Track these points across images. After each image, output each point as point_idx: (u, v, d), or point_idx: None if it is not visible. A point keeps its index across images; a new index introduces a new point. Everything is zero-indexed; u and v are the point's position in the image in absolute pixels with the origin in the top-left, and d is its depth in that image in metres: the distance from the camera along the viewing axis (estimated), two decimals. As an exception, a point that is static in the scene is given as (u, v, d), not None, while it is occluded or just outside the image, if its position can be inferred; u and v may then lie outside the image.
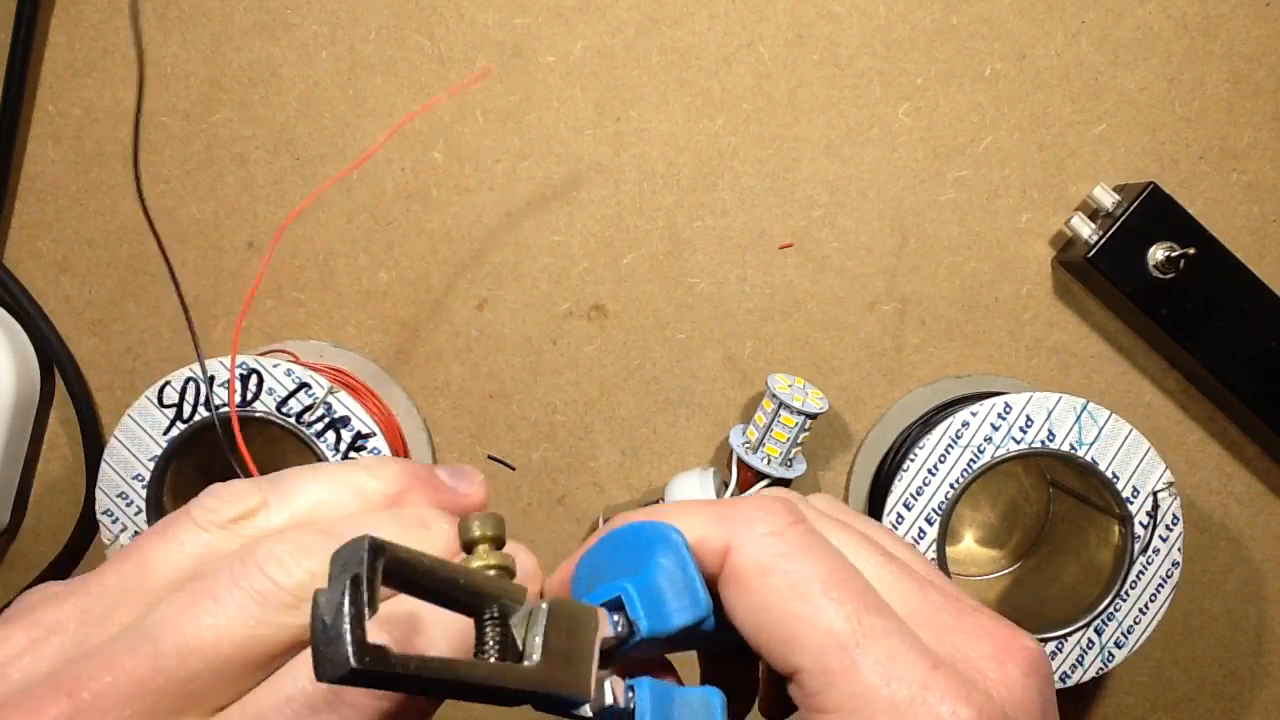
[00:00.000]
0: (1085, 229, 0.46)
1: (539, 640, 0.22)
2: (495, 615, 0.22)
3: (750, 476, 0.46)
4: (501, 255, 0.48)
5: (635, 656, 0.25)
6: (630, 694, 0.23)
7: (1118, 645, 0.42)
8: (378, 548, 0.19)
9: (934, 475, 0.41)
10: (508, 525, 0.50)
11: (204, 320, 0.48)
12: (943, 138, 0.48)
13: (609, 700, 0.23)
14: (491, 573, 0.23)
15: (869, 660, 0.23)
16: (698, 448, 0.49)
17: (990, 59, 0.48)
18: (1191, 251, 0.45)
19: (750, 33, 0.48)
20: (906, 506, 0.42)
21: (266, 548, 0.23)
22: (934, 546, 0.42)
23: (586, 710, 0.23)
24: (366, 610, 0.18)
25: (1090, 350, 0.49)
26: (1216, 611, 0.50)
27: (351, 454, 0.39)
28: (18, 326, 0.47)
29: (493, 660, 0.21)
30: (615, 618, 0.24)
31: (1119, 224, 0.45)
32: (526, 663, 0.22)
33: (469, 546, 0.24)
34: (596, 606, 0.24)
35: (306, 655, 0.22)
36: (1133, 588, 0.42)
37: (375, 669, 0.18)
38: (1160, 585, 0.42)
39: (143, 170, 0.48)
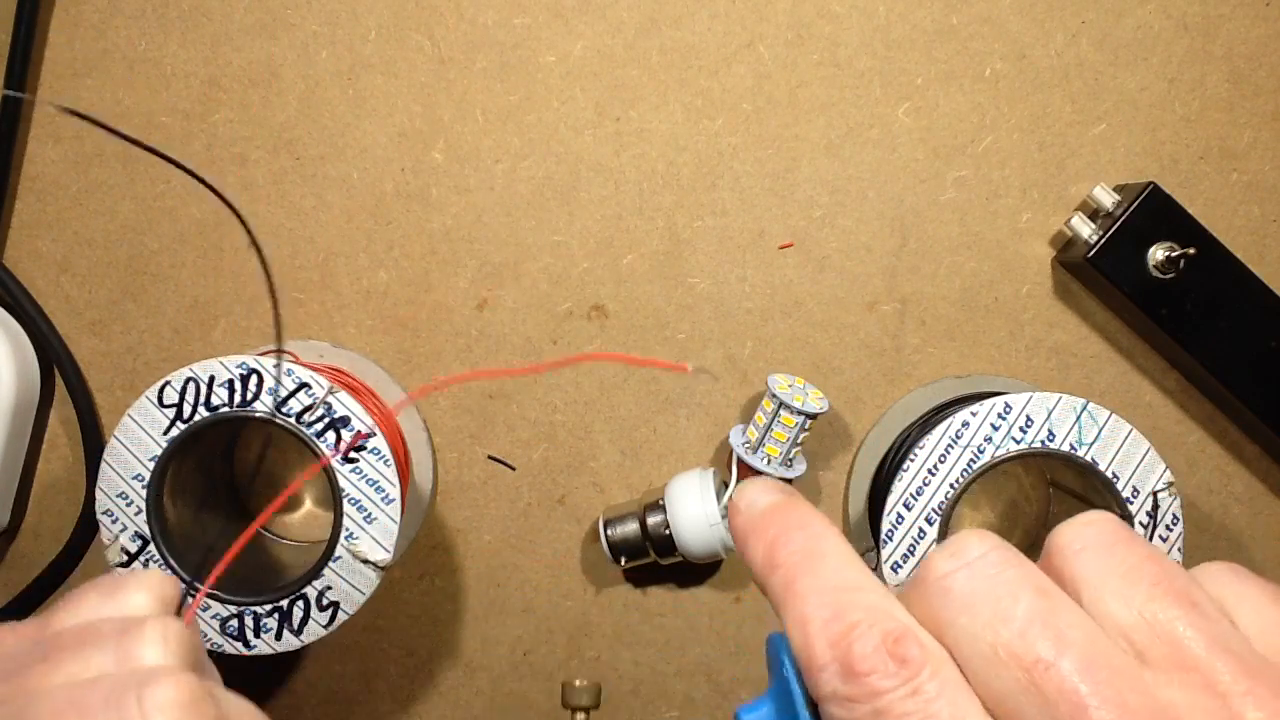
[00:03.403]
0: (1085, 229, 0.46)
1: None
2: None
3: (750, 477, 0.46)
4: (501, 255, 0.48)
5: None
6: None
7: (1118, 645, 0.42)
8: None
9: (934, 475, 0.41)
10: (507, 524, 0.51)
11: (204, 320, 0.48)
12: (943, 138, 0.48)
13: None
14: None
15: None
16: (698, 448, 0.49)
17: (990, 59, 0.48)
18: (1191, 251, 0.45)
19: (750, 33, 0.48)
20: (906, 506, 0.42)
21: None
22: (934, 547, 0.42)
23: None
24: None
25: (1090, 350, 0.49)
26: (1216, 611, 0.50)
27: (352, 454, 0.39)
28: (18, 326, 0.47)
29: None
30: None
31: (1119, 224, 0.45)
32: None
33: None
34: None
35: None
36: (1133, 588, 0.42)
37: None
38: (1160, 585, 0.42)
39: (142, 170, 0.48)
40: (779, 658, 0.24)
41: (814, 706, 0.22)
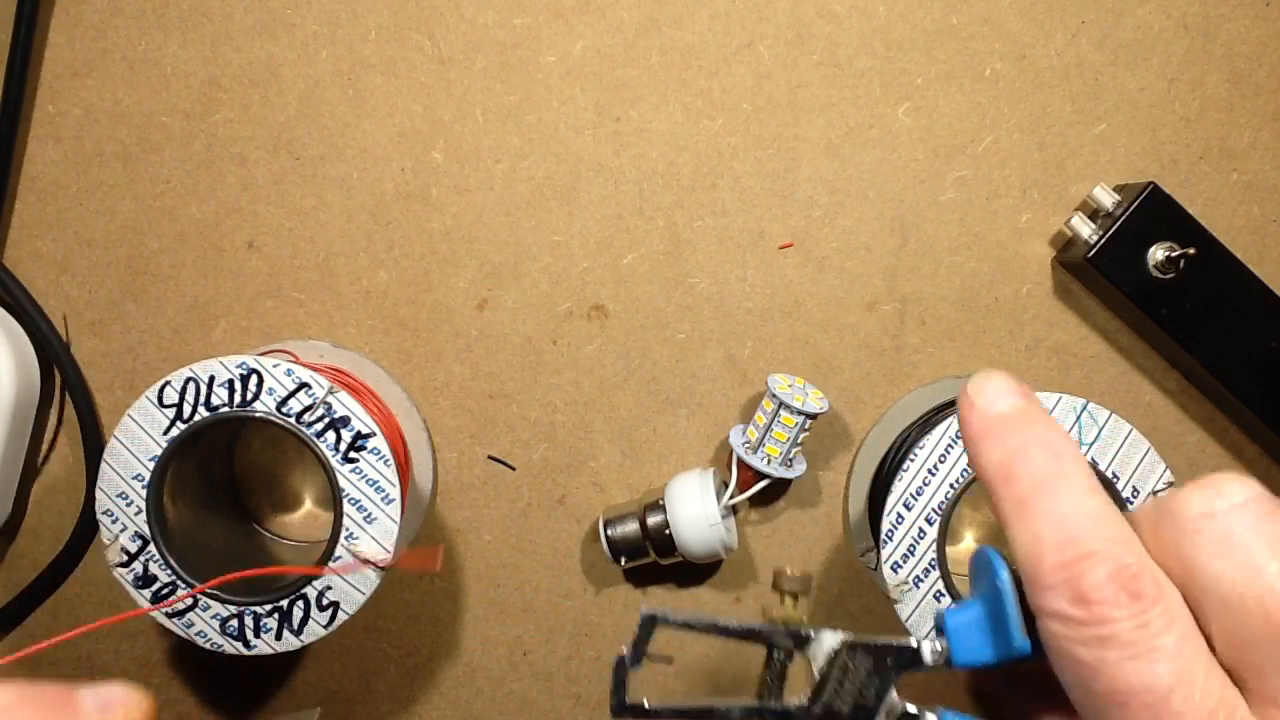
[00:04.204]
0: (1085, 229, 0.46)
1: (819, 673, 0.26)
2: (781, 653, 0.27)
3: (750, 476, 0.46)
4: (501, 255, 0.48)
5: (968, 675, 0.27)
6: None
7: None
8: (650, 620, 0.27)
9: (934, 475, 0.41)
10: (507, 524, 0.51)
11: (204, 320, 0.48)
12: (943, 138, 0.48)
13: None
14: (774, 625, 0.28)
15: None
16: (698, 448, 0.49)
17: (990, 59, 0.48)
18: (1191, 251, 0.45)
19: (750, 33, 0.48)
20: (906, 506, 0.42)
21: None
22: (934, 546, 0.42)
23: None
24: (627, 679, 0.27)
25: (1090, 350, 0.49)
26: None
27: (352, 453, 0.39)
28: (18, 326, 0.47)
29: (745, 705, 0.27)
30: (932, 646, 0.26)
31: (1119, 224, 0.45)
32: (786, 703, 0.26)
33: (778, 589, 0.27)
34: (899, 640, 0.26)
35: None
36: (1133, 588, 0.42)
37: (631, 714, 0.27)
38: (1160, 585, 0.42)
39: (142, 170, 0.48)
40: (991, 566, 0.25)
41: (1027, 618, 0.23)
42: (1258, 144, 0.48)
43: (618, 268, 0.48)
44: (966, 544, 0.50)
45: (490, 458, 0.49)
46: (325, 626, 0.39)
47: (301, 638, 0.39)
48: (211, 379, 0.39)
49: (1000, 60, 0.48)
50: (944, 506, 0.42)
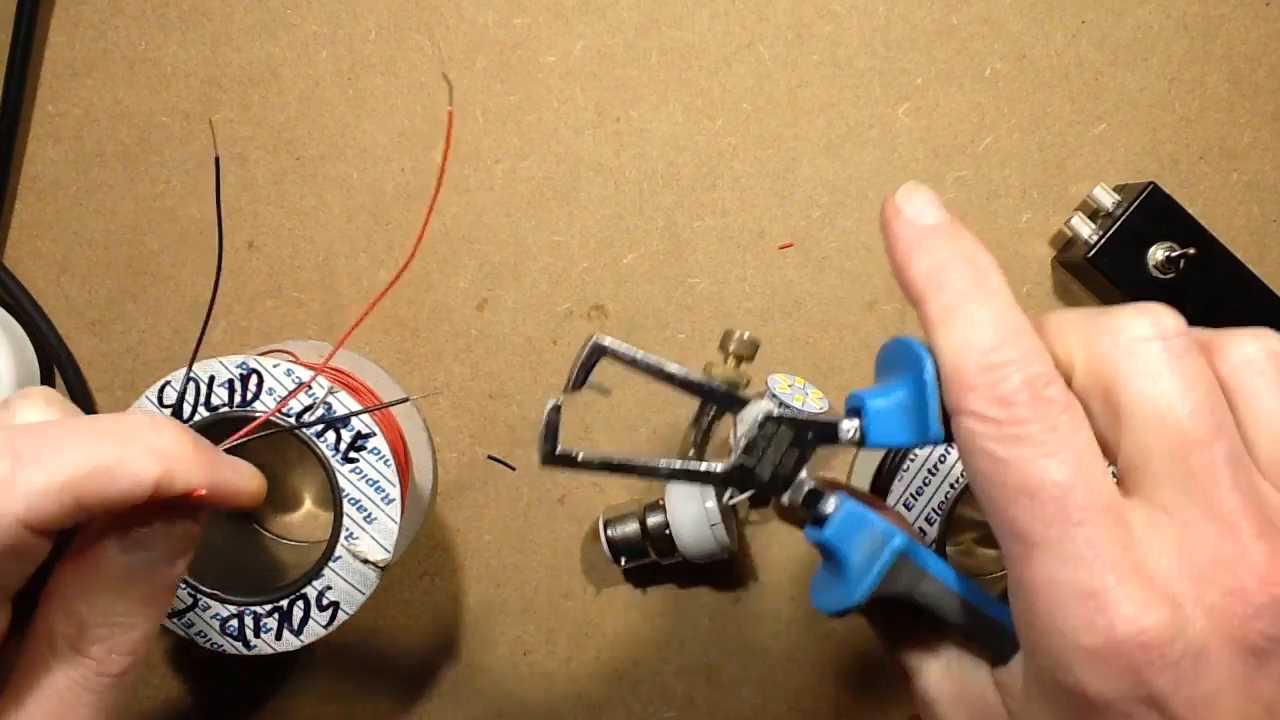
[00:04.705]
0: (1085, 229, 0.46)
1: (745, 438, 0.27)
2: (712, 410, 0.28)
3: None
4: (501, 255, 0.48)
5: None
6: (832, 502, 0.27)
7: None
8: (598, 349, 0.27)
9: (934, 475, 0.41)
10: (507, 524, 0.50)
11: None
12: (943, 138, 0.48)
13: (821, 504, 0.27)
14: (713, 380, 0.28)
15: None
16: (698, 448, 0.49)
17: (990, 59, 0.48)
18: (1191, 251, 0.45)
19: (750, 33, 0.48)
20: (906, 506, 0.42)
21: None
22: (934, 547, 0.42)
23: (785, 499, 0.28)
24: (558, 433, 0.27)
25: (1090, 350, 0.49)
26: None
27: (352, 453, 0.39)
28: (18, 326, 0.47)
29: (671, 462, 0.28)
30: (849, 426, 0.27)
31: (1119, 224, 0.45)
32: (708, 464, 0.27)
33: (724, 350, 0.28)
34: (821, 417, 0.27)
35: None
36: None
37: (560, 463, 0.27)
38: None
39: (142, 170, 0.48)
40: (918, 359, 0.25)
41: (944, 413, 0.25)
42: (1258, 144, 0.48)
43: (618, 268, 0.48)
44: (966, 544, 0.50)
45: (490, 458, 0.49)
46: (325, 626, 0.39)
47: (301, 638, 0.39)
48: (211, 379, 0.39)
49: (1000, 60, 0.48)
50: (944, 506, 0.42)
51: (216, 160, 0.41)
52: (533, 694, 0.49)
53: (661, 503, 0.46)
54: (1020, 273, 0.48)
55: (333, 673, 0.49)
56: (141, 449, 0.26)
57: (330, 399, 0.39)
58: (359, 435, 0.39)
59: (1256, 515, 0.23)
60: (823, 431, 0.27)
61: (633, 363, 0.28)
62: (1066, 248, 0.48)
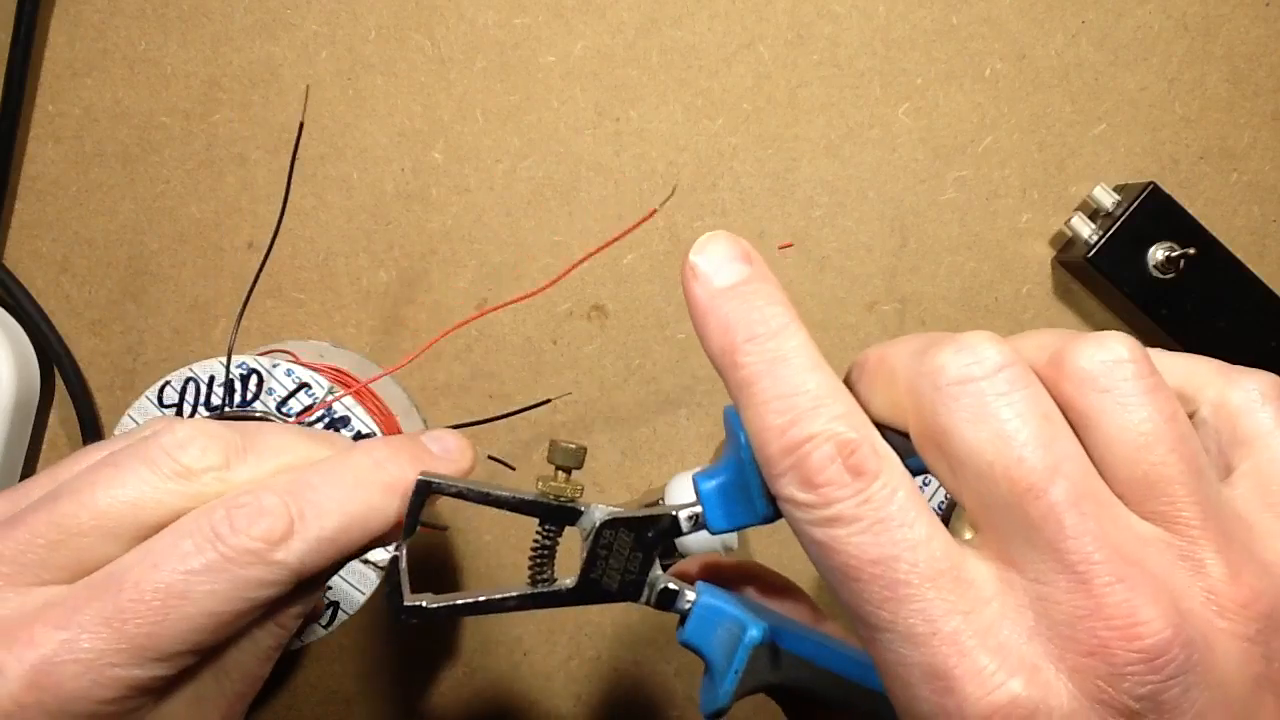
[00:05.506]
0: (1085, 229, 0.46)
1: (586, 551, 0.26)
2: (551, 527, 0.27)
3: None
4: (501, 255, 0.48)
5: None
6: (689, 597, 0.27)
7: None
8: (424, 486, 0.26)
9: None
10: (507, 524, 0.50)
11: (204, 320, 0.48)
12: (943, 138, 0.48)
13: (678, 602, 0.27)
14: (546, 497, 0.27)
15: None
16: (698, 448, 0.49)
17: (990, 59, 0.48)
18: (1191, 251, 0.45)
19: (750, 33, 0.48)
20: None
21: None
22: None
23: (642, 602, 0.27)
24: (404, 583, 0.27)
25: (1090, 350, 0.49)
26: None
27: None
28: (18, 326, 0.47)
29: (518, 591, 0.27)
30: (687, 514, 0.26)
31: (1119, 224, 0.45)
32: (557, 585, 0.27)
33: (551, 464, 0.28)
34: (655, 511, 0.26)
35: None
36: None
37: (413, 620, 0.27)
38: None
39: (142, 170, 0.48)
40: (738, 437, 0.24)
41: (768, 491, 0.23)
42: (1258, 144, 0.48)
43: (618, 268, 0.48)
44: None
45: (490, 458, 0.49)
46: (325, 626, 0.39)
47: (301, 638, 0.39)
48: (211, 379, 0.39)
49: (1000, 60, 0.48)
50: (944, 506, 0.42)
51: (300, 125, 0.42)
52: (533, 694, 0.49)
53: (661, 503, 0.46)
54: (1020, 273, 0.48)
55: (333, 673, 0.49)
56: (379, 490, 0.27)
57: (330, 399, 0.39)
58: (359, 435, 0.39)
59: (1111, 557, 0.20)
60: (662, 526, 0.26)
61: (460, 495, 0.27)
62: (1066, 248, 0.48)
